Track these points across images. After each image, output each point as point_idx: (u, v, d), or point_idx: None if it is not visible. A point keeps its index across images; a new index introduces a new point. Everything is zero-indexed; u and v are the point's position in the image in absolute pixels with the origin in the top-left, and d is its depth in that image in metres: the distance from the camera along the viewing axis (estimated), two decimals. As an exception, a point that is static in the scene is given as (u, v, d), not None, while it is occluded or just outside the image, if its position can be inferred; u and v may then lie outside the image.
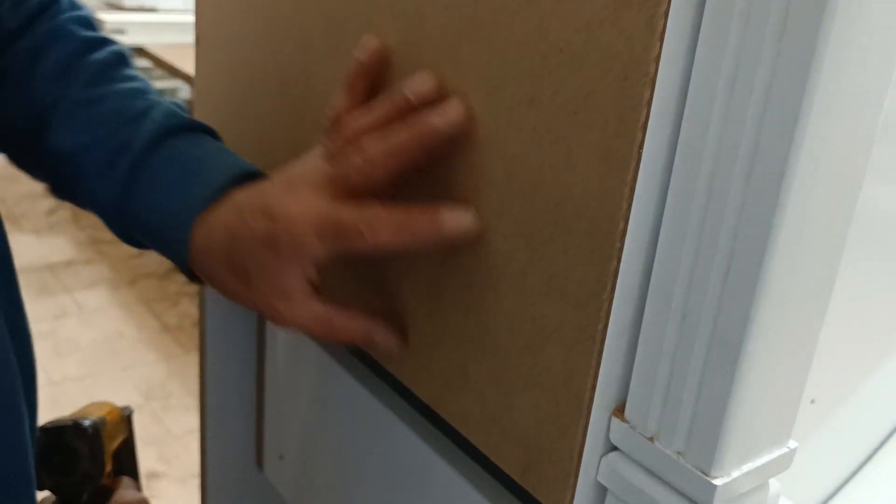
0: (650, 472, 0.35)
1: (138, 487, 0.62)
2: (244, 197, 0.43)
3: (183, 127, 0.48)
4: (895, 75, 0.30)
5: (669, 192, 0.32)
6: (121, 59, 0.52)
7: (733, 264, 0.30)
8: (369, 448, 0.54)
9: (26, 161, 0.52)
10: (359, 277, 0.48)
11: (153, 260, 2.62)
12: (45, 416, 0.49)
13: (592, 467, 0.37)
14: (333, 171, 0.40)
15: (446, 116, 0.37)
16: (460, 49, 0.38)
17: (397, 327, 0.44)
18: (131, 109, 0.48)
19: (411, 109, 0.38)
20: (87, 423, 0.55)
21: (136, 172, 0.46)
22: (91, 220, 2.86)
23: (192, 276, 0.47)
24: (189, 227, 0.44)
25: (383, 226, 0.37)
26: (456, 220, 0.37)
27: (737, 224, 0.30)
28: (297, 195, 0.40)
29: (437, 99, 0.38)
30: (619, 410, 0.36)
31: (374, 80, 0.42)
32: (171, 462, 1.81)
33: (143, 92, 0.50)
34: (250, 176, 0.46)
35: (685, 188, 0.31)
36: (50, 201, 2.99)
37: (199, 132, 0.49)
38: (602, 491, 0.37)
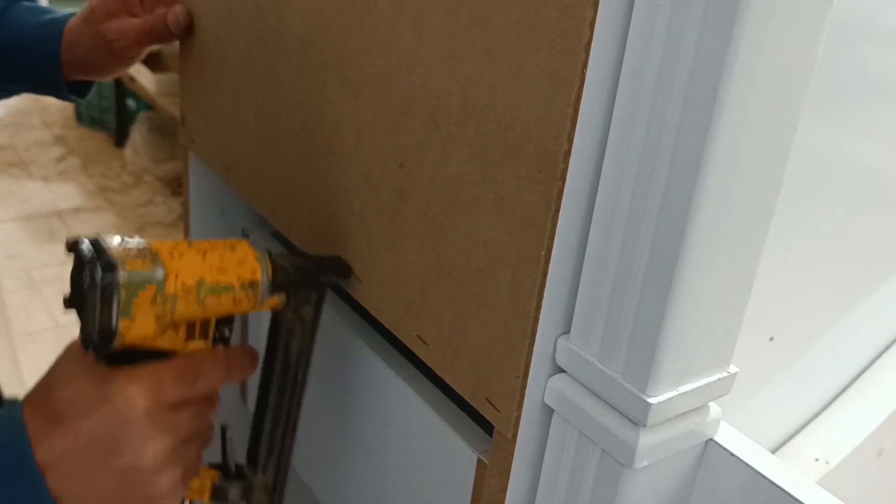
0: (593, 393, 0.36)
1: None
2: None
3: None
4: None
5: (614, 114, 0.32)
6: None
7: (670, 184, 0.30)
8: (338, 374, 0.55)
9: None
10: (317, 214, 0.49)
11: (160, 209, 2.63)
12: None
13: (539, 389, 0.38)
14: None
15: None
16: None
17: None
18: None
19: None
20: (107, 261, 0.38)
21: None
22: (99, 168, 2.87)
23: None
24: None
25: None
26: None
27: (675, 143, 0.30)
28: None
29: None
30: (566, 333, 0.37)
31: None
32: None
33: None
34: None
35: (628, 109, 0.31)
36: (59, 149, 3.01)
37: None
38: (549, 413, 0.38)
